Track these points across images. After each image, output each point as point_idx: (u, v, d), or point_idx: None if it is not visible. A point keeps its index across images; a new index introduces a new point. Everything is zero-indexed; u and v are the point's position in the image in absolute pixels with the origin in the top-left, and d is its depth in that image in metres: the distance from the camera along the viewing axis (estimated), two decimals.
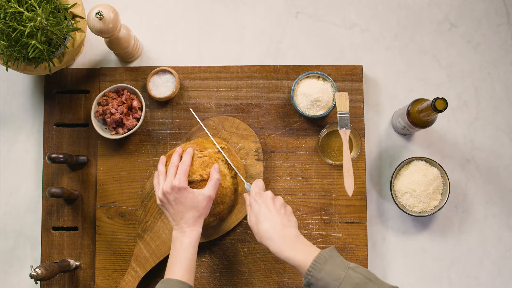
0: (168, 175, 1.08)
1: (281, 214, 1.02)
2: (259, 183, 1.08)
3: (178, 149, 1.14)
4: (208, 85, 1.26)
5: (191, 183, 1.10)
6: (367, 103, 1.28)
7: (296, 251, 0.96)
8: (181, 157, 1.12)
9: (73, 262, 1.22)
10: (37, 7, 1.05)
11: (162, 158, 1.14)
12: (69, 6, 1.13)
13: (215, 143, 1.17)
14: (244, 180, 1.14)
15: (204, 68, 1.27)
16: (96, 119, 1.22)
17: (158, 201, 1.08)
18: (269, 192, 1.05)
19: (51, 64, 1.14)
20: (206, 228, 1.19)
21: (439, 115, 1.24)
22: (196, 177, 1.10)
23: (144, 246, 1.20)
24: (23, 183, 1.28)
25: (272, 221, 1.00)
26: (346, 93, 1.17)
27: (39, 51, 1.08)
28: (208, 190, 1.07)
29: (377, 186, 1.26)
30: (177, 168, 1.09)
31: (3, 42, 1.07)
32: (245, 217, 1.22)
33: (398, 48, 1.30)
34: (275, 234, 0.98)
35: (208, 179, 1.10)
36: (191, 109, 1.21)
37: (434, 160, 1.22)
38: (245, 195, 1.10)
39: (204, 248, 1.22)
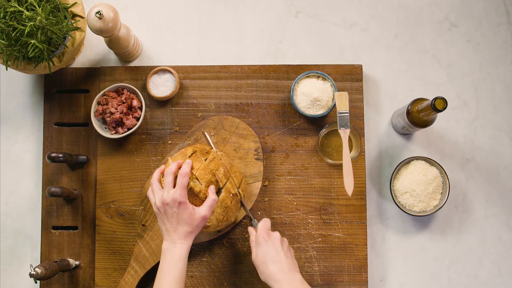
0: (165, 183, 1.06)
1: (288, 257, 1.05)
2: (267, 222, 1.10)
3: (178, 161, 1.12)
4: (208, 85, 1.26)
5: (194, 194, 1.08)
6: (367, 102, 1.28)
7: None
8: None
9: (72, 262, 1.22)
10: (37, 6, 1.05)
11: (161, 167, 1.12)
12: (69, 5, 1.13)
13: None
14: (251, 216, 1.15)
15: (204, 68, 1.27)
16: (96, 119, 1.22)
17: (155, 209, 1.07)
18: (277, 233, 1.08)
19: (51, 63, 1.14)
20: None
21: (439, 114, 1.24)
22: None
23: (143, 245, 1.20)
24: (23, 182, 1.28)
25: (280, 263, 1.03)
26: (345, 93, 1.17)
27: (39, 51, 1.08)
28: (204, 210, 1.06)
29: (376, 186, 1.26)
30: (174, 176, 1.07)
31: (3, 41, 1.07)
32: (245, 217, 1.22)
33: (398, 48, 1.30)
34: (283, 277, 1.02)
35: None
36: (205, 133, 1.21)
37: (434, 160, 1.22)
38: (250, 229, 1.11)
39: (204, 248, 1.22)
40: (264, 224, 1.10)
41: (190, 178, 1.07)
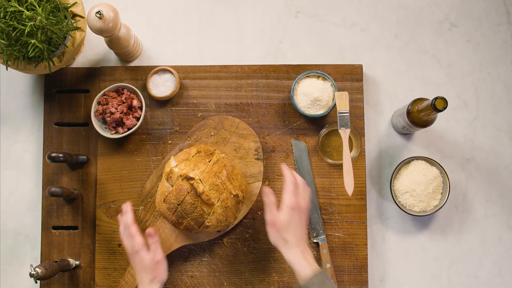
0: (133, 234, 1.08)
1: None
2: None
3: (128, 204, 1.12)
4: (208, 85, 1.26)
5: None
6: (367, 102, 1.28)
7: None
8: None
9: (73, 261, 1.22)
10: (37, 6, 1.05)
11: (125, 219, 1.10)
12: (69, 5, 1.13)
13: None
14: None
15: (204, 68, 1.27)
16: (96, 118, 1.22)
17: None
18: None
19: (51, 63, 1.14)
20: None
21: (439, 114, 1.24)
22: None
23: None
24: (23, 182, 1.27)
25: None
26: (346, 93, 1.17)
27: (39, 50, 1.08)
28: (152, 256, 1.07)
29: (377, 186, 1.26)
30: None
31: (3, 41, 1.07)
32: (245, 217, 1.22)
33: (398, 48, 1.30)
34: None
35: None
36: None
37: (434, 160, 1.22)
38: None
39: (204, 248, 1.22)
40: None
41: (194, 180, 1.09)
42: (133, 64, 1.29)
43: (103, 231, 1.23)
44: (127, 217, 1.09)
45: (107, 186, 1.24)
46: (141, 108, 1.23)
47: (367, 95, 1.28)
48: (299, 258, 1.02)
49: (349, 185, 1.15)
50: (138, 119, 1.22)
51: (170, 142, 1.25)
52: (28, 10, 1.05)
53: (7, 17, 1.04)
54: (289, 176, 1.07)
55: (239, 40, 1.30)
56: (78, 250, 1.24)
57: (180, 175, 1.11)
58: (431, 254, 1.24)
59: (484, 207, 1.25)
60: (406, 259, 1.24)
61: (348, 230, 1.22)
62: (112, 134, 1.22)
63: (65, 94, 1.28)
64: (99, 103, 1.22)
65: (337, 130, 1.19)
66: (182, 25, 1.31)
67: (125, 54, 1.24)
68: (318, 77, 1.23)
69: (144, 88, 1.26)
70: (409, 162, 1.22)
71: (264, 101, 1.26)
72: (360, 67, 1.26)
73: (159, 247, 1.07)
